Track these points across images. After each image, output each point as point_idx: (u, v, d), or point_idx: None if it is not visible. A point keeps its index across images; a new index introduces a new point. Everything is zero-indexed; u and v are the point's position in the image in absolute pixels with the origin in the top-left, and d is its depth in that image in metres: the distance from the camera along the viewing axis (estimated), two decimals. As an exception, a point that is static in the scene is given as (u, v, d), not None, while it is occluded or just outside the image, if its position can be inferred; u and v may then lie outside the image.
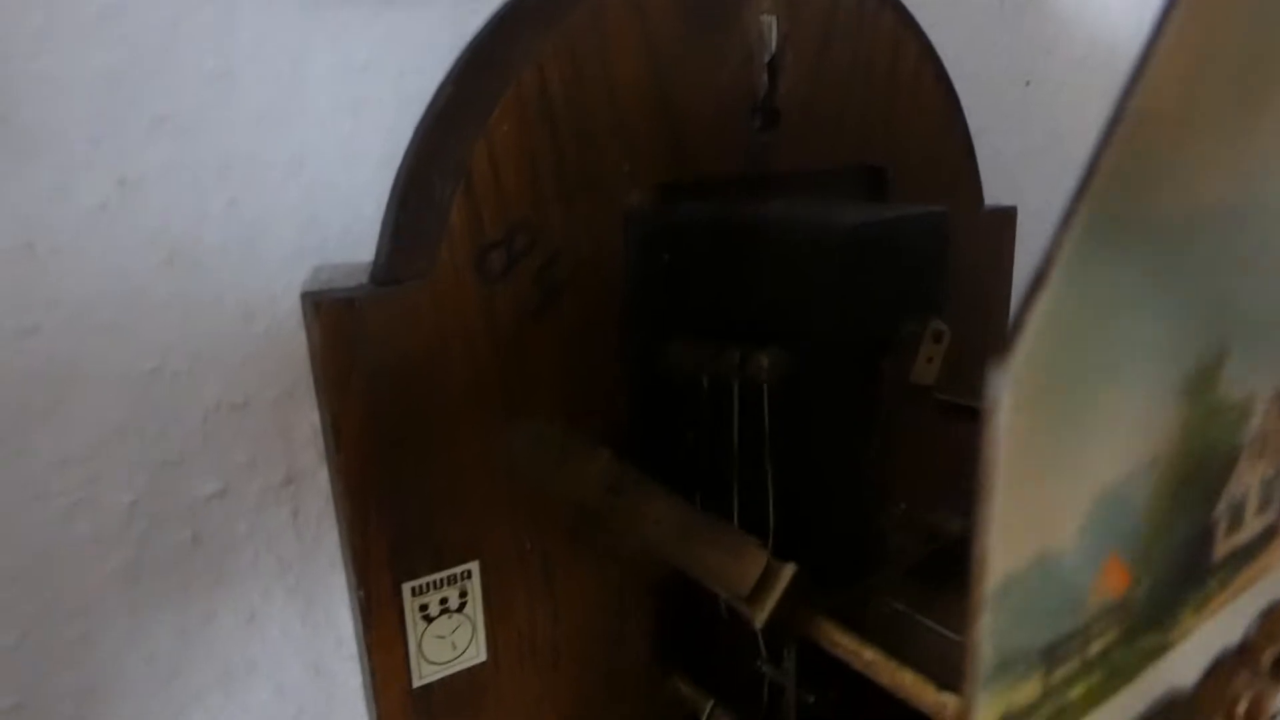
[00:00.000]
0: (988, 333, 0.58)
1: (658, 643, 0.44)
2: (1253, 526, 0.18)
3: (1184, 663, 0.17)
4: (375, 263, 0.35)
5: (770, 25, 0.40)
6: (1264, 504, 0.18)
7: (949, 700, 0.27)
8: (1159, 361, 0.13)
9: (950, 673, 0.28)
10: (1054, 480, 0.12)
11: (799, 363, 0.35)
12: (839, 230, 0.34)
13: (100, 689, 0.32)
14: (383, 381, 0.34)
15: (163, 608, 0.33)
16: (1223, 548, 0.17)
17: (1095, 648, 0.13)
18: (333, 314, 0.32)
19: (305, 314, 0.34)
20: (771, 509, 0.36)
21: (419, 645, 0.37)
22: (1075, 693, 0.13)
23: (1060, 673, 0.13)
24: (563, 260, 0.37)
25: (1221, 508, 0.16)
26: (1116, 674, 0.14)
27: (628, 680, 0.44)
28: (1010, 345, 0.10)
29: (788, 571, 0.31)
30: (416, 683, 0.38)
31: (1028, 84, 0.62)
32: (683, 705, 0.43)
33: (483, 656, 0.39)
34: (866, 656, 0.29)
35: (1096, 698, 0.14)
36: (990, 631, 0.11)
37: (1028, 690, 0.12)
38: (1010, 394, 0.10)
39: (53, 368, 0.29)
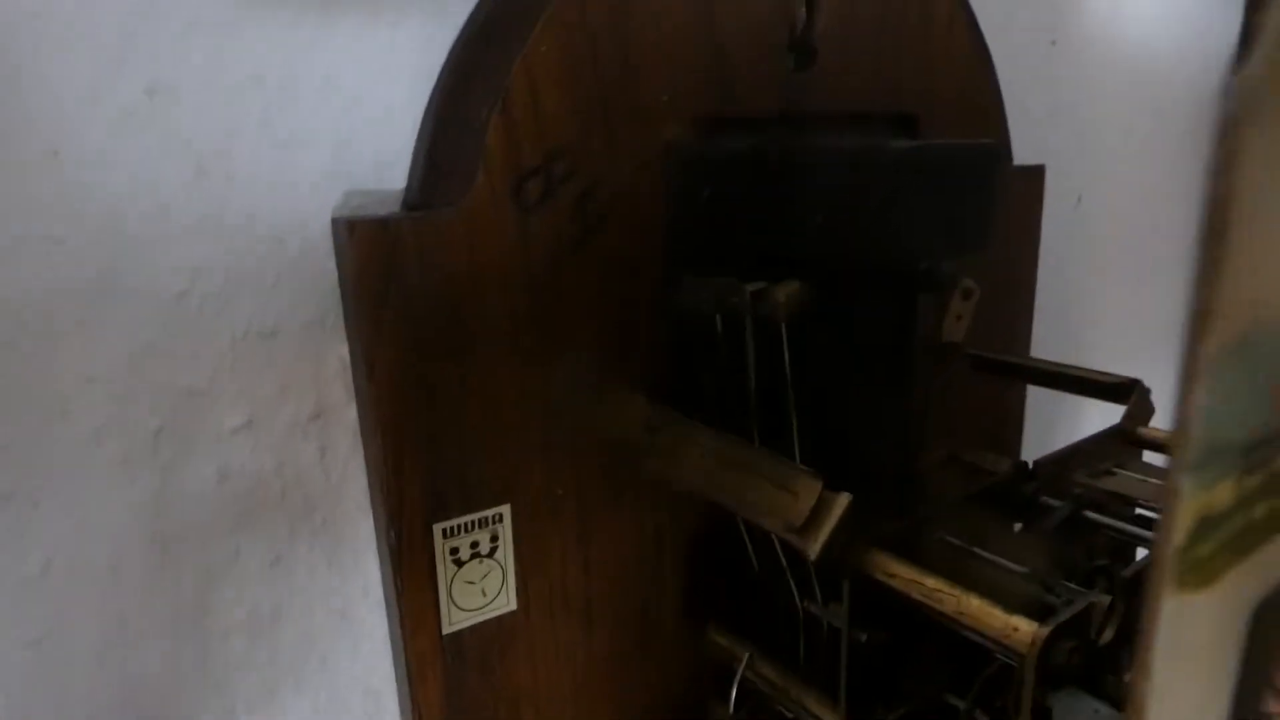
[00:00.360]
0: (1015, 292, 0.57)
1: (692, 594, 0.43)
2: None
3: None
4: (408, 188, 0.34)
5: (813, -42, 0.39)
6: None
7: (1020, 623, 0.26)
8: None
9: (1012, 602, 0.27)
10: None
11: (821, 296, 0.34)
12: (891, 154, 0.32)
13: (130, 623, 0.30)
14: (416, 310, 0.33)
15: (188, 542, 0.32)
16: None
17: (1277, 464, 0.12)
18: (368, 236, 0.31)
19: (337, 238, 0.32)
20: (810, 442, 0.35)
21: (449, 590, 0.36)
22: (1260, 511, 0.12)
23: (1250, 482, 0.12)
24: (601, 191, 0.36)
25: None
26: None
27: (662, 632, 0.42)
28: (1246, 51, 0.09)
29: (842, 501, 0.29)
30: (447, 629, 0.36)
31: (1053, 43, 0.61)
32: (718, 656, 0.42)
33: (513, 605, 0.38)
34: (929, 584, 0.28)
35: (1275, 526, 0.13)
36: (1204, 408, 0.10)
37: (1223, 493, 0.11)
38: (1246, 106, 0.09)
39: (79, 282, 0.28)
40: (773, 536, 0.38)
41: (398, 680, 0.38)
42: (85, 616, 0.30)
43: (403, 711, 0.38)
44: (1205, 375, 0.10)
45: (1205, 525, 0.10)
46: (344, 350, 0.34)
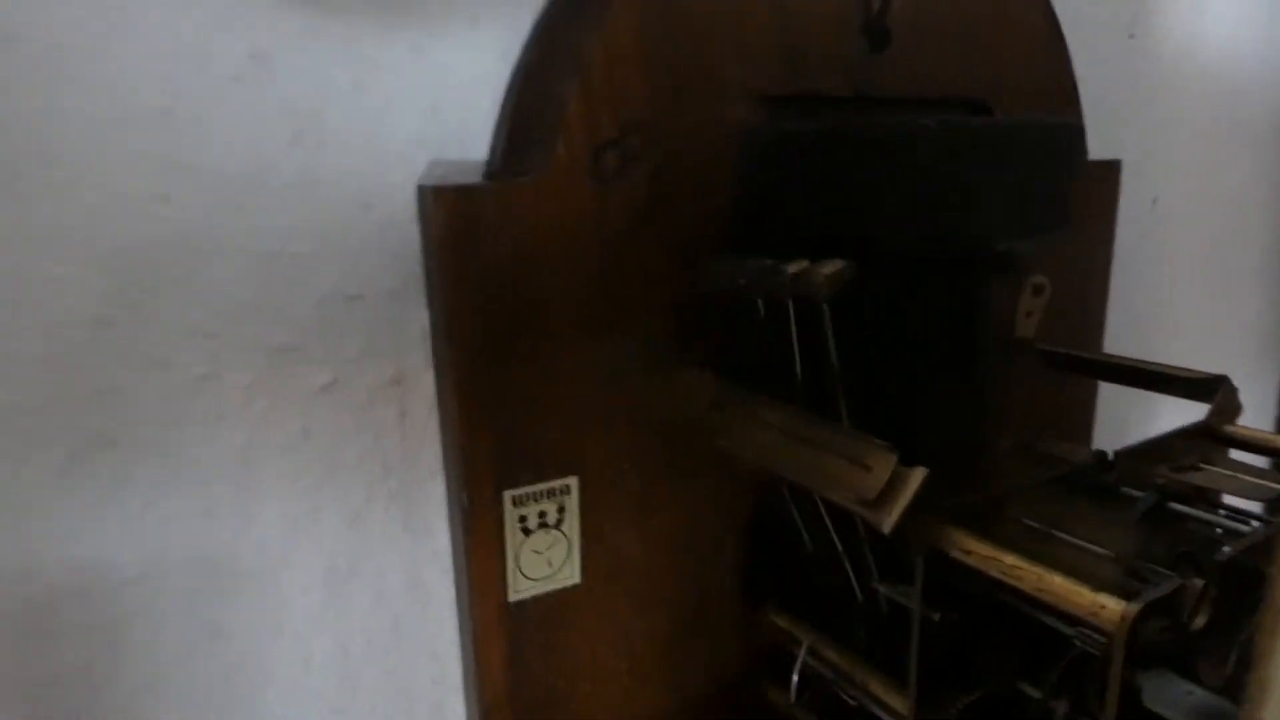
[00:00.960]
0: (1089, 290, 0.56)
1: (750, 575, 0.42)
2: None
3: None
4: (490, 158, 0.35)
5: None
6: None
7: (1107, 600, 0.25)
8: None
9: (1094, 582, 0.26)
10: None
11: (890, 279, 0.34)
12: (969, 129, 0.32)
13: (222, 566, 0.31)
14: (496, 278, 0.33)
15: (272, 496, 0.33)
16: None
17: None
18: (452, 203, 0.32)
19: (422, 205, 0.33)
20: (875, 427, 0.34)
21: (516, 558, 0.36)
22: None
23: None
24: (674, 165, 0.36)
25: None
26: None
27: (719, 612, 0.42)
28: None
29: (918, 475, 0.29)
30: (512, 597, 0.37)
31: (1132, 36, 0.60)
32: (775, 638, 0.41)
33: (577, 578, 0.38)
34: (1008, 561, 0.27)
35: None
36: None
37: None
38: None
39: (182, 237, 0.29)
40: (825, 519, 0.38)
41: (462, 646, 0.39)
42: (178, 558, 0.31)
43: (466, 677, 0.39)
44: None
45: None
46: (424, 318, 0.35)
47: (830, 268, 0.33)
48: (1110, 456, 0.37)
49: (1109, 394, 0.56)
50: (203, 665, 0.32)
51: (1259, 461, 0.39)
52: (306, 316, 0.32)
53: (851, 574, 0.37)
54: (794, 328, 0.36)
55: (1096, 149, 0.54)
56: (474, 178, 0.35)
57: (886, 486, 0.30)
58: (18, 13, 0.26)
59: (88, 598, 0.29)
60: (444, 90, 0.34)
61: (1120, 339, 0.59)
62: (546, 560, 0.37)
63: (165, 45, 0.28)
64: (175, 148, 0.28)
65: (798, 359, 0.36)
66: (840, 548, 0.37)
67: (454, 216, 0.32)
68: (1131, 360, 0.45)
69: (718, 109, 0.37)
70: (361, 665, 0.36)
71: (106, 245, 0.28)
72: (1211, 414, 0.40)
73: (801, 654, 0.39)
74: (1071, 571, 0.27)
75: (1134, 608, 0.24)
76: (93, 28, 0.27)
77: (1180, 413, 0.41)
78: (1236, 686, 0.26)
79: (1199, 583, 0.26)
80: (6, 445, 0.27)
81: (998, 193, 0.35)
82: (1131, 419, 0.60)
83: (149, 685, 0.31)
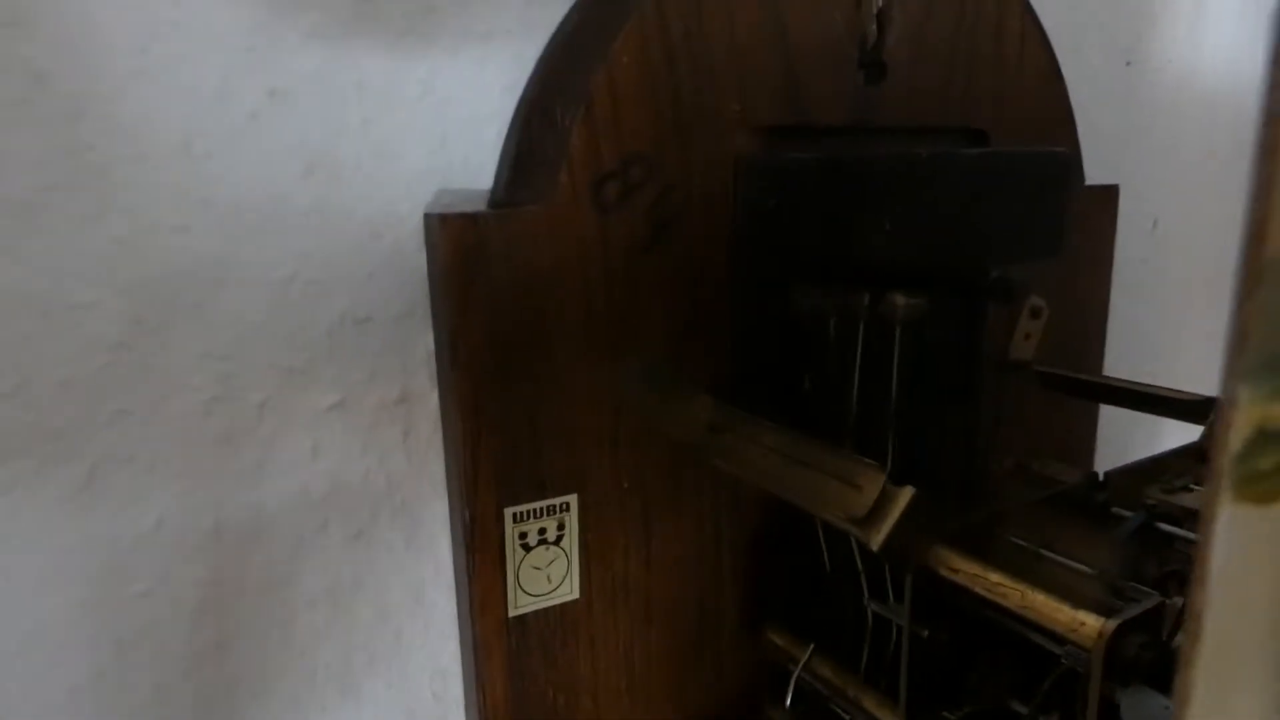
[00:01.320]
0: (1088, 313, 0.57)
1: (751, 594, 0.43)
2: None
3: None
4: (494, 187, 0.36)
5: (885, -25, 0.41)
6: None
7: (1086, 619, 0.26)
8: None
9: (1075, 599, 0.27)
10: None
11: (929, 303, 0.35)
12: (962, 159, 0.33)
13: (226, 582, 0.33)
14: (499, 302, 0.35)
15: (282, 511, 0.34)
16: None
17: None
18: (456, 230, 0.33)
19: (429, 232, 0.35)
20: (891, 444, 0.35)
21: (517, 574, 0.37)
22: None
23: None
24: (674, 196, 0.37)
25: None
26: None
27: (720, 631, 0.43)
28: None
29: (905, 494, 0.30)
30: (512, 611, 0.38)
31: (1128, 64, 0.61)
32: (775, 657, 0.42)
33: (576, 594, 0.39)
34: (993, 579, 0.28)
35: None
36: (1263, 313, 0.10)
37: None
38: None
39: (200, 266, 0.31)
40: (821, 537, 0.39)
41: (463, 661, 0.39)
42: (187, 574, 0.32)
43: (467, 691, 0.39)
44: (1265, 280, 0.10)
45: (1267, 438, 0.10)
46: (429, 340, 0.36)
47: (907, 293, 0.34)
48: (1102, 477, 0.38)
49: (1113, 416, 0.56)
50: (209, 676, 0.33)
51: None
52: (316, 340, 0.34)
53: (852, 591, 0.38)
54: (859, 350, 0.37)
55: (1096, 174, 0.55)
56: (480, 205, 0.36)
57: (875, 505, 0.30)
58: (48, 55, 0.27)
59: (99, 611, 0.31)
60: (451, 123, 0.35)
61: (1124, 360, 0.60)
62: (546, 576, 0.38)
63: (187, 85, 0.29)
64: (195, 181, 0.30)
65: (856, 382, 0.37)
66: (829, 566, 0.38)
67: (458, 243, 0.33)
68: (1124, 382, 0.46)
69: (718, 140, 0.38)
70: (364, 679, 0.37)
71: (128, 274, 0.29)
72: (1204, 435, 0.40)
73: (797, 670, 0.40)
74: (1056, 590, 0.28)
75: (1112, 624, 0.25)
76: (119, 68, 0.28)
77: (1184, 434, 0.41)
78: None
79: (1179, 601, 0.27)
80: (31, 463, 0.28)
81: (990, 220, 0.36)
82: (1135, 441, 0.60)
83: (154, 699, 0.32)
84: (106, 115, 0.28)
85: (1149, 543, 0.34)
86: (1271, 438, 0.10)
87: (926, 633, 0.31)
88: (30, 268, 0.28)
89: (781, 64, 0.39)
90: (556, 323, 0.36)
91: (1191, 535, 0.34)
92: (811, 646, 0.38)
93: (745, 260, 0.39)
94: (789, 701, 0.39)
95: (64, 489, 0.29)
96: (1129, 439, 0.61)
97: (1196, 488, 0.38)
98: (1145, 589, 0.28)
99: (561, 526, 0.38)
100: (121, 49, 0.28)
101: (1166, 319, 0.68)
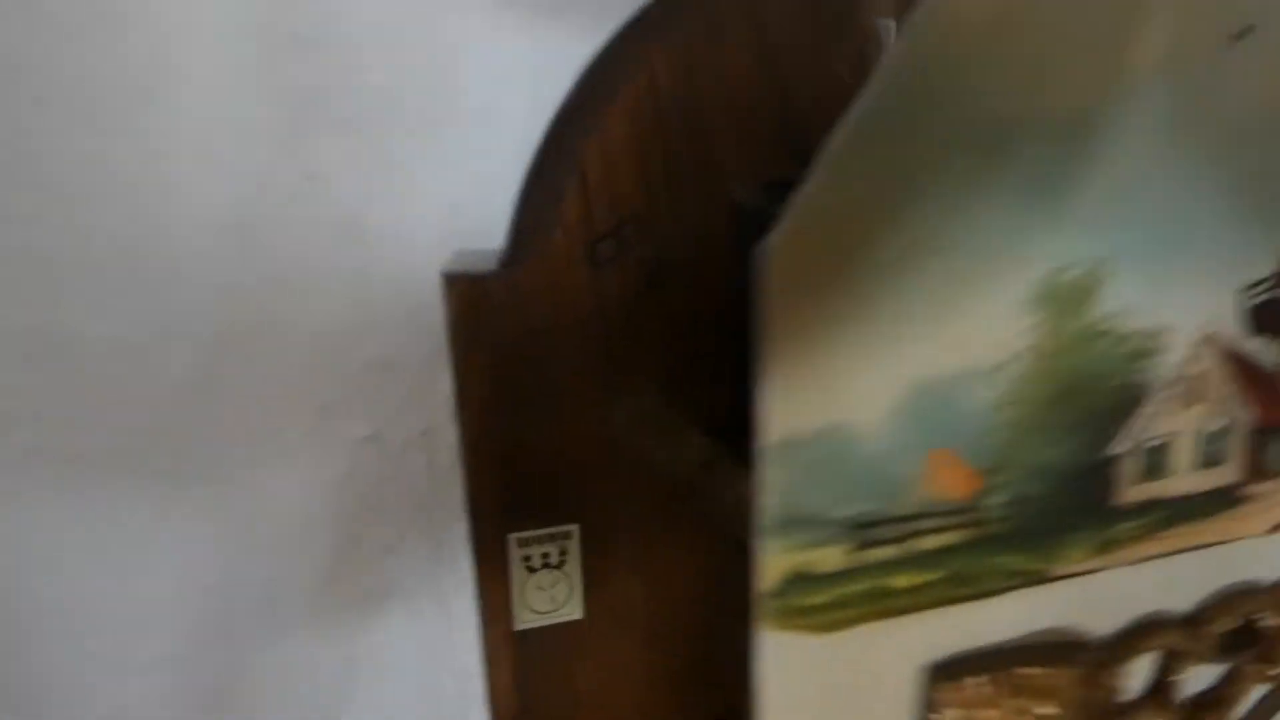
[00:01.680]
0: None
1: (753, 624, 0.45)
2: (1193, 481, 0.16)
3: (1091, 604, 0.16)
4: (504, 248, 0.40)
5: (888, 29, 0.41)
6: (1210, 460, 0.16)
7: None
8: (987, 262, 0.13)
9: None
10: (845, 360, 0.12)
11: None
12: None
13: (282, 579, 0.39)
14: (503, 351, 0.39)
15: (321, 527, 0.40)
16: (1137, 492, 0.16)
17: (928, 543, 0.13)
18: (462, 289, 0.38)
19: (443, 290, 0.39)
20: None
21: (522, 592, 0.42)
22: (900, 581, 0.13)
23: (876, 554, 0.13)
24: (669, 251, 0.40)
25: (1124, 445, 0.15)
26: (965, 582, 0.14)
27: (723, 652, 0.45)
28: (778, 224, 0.12)
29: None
30: (518, 626, 0.42)
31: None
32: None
33: (578, 614, 0.43)
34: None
35: (937, 598, 0.14)
36: (775, 484, 0.12)
37: (828, 557, 0.12)
38: (775, 269, 0.12)
39: (251, 320, 0.37)
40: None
41: (484, 667, 0.44)
42: (252, 575, 0.39)
43: (486, 697, 0.44)
44: (765, 461, 0.12)
45: (808, 580, 0.11)
46: (449, 381, 0.41)
47: None
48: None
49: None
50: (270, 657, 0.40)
51: None
52: (351, 380, 0.39)
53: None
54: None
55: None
56: (491, 264, 0.40)
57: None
58: (105, 165, 0.34)
59: (170, 612, 0.38)
60: (467, 190, 0.40)
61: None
62: (550, 596, 0.42)
63: (234, 172, 0.36)
64: (244, 252, 0.36)
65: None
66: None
67: (464, 299, 0.38)
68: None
69: (712, 196, 0.40)
70: (394, 676, 0.43)
71: (194, 326, 0.36)
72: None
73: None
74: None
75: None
76: (181, 161, 0.35)
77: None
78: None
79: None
80: (120, 484, 0.36)
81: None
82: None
83: (209, 703, 0.39)
84: (168, 199, 0.35)
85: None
86: (816, 579, 0.12)
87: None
88: (126, 321, 0.36)
89: (780, 123, 0.41)
90: (556, 368, 0.40)
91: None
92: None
93: (741, 309, 0.41)
94: None
95: (148, 504, 0.37)
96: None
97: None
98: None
99: (564, 552, 0.42)
100: (178, 144, 0.35)
101: None
